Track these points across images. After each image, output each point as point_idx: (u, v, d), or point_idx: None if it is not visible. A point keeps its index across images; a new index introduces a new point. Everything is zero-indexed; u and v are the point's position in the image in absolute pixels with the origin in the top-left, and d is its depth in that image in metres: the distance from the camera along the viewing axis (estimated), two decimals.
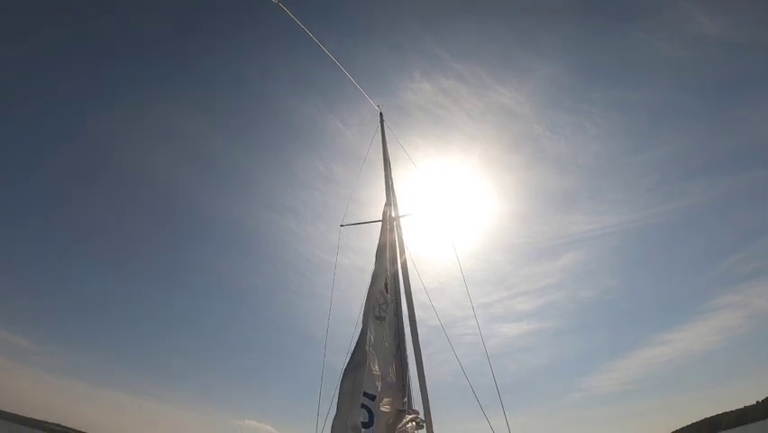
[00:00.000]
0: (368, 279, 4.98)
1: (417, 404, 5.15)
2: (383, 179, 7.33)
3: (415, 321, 5.35)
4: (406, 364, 5.18)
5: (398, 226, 6.46)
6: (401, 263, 5.93)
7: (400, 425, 4.63)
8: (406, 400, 4.87)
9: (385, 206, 6.31)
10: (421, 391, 5.07)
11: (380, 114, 8.88)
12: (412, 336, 5.23)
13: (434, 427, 5.00)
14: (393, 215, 6.55)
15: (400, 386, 5.02)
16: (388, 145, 8.04)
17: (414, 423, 4.79)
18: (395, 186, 7.41)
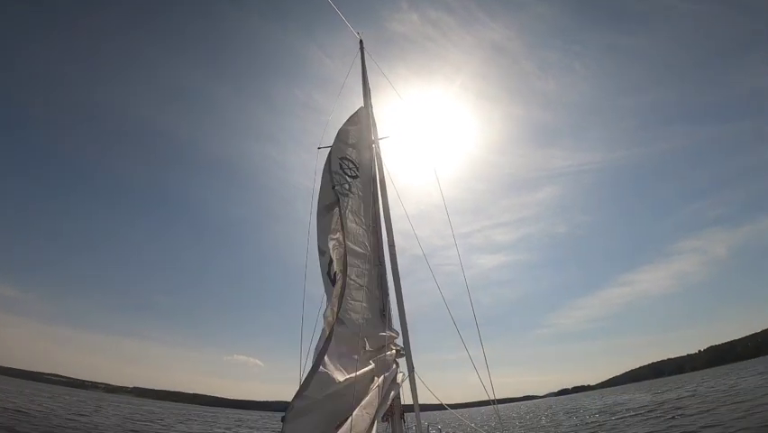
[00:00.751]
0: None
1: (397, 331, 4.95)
2: (363, 105, 6.74)
3: (393, 246, 4.99)
4: (386, 290, 4.87)
5: (378, 149, 5.92)
6: (380, 185, 5.46)
7: (383, 352, 4.42)
8: (387, 323, 4.63)
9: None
10: (400, 319, 4.83)
11: (360, 41, 8.28)
12: (391, 262, 4.90)
13: (413, 356, 4.83)
14: (372, 137, 5.98)
15: (380, 316, 4.73)
16: (369, 74, 7.47)
17: (394, 351, 4.60)
18: (375, 112, 6.88)
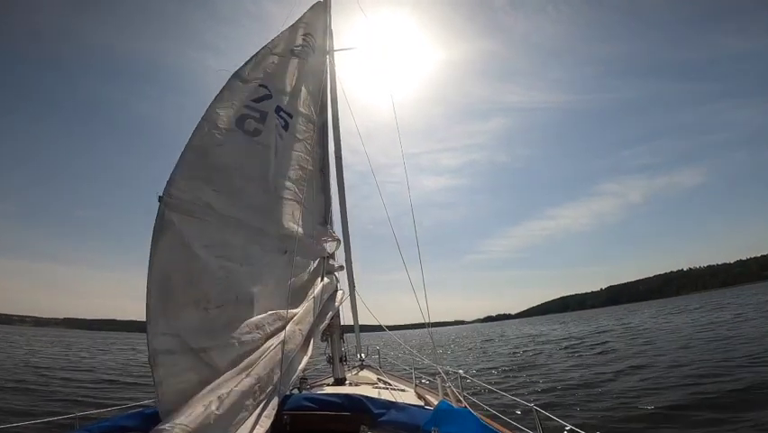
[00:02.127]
0: None
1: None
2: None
3: (341, 158, 4.88)
4: (329, 201, 4.80)
5: (332, 59, 5.54)
6: (331, 98, 5.19)
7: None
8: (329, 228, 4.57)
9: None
10: (343, 234, 4.86)
11: None
12: (337, 174, 4.81)
13: (354, 272, 4.93)
14: (328, 48, 5.54)
15: (322, 222, 4.66)
16: None
17: (333, 261, 4.59)
18: (334, 23, 6.29)
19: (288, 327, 3.10)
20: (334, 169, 4.87)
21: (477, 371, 16.02)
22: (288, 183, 3.95)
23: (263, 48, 4.38)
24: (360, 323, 5.80)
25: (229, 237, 3.07)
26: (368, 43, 6.45)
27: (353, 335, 6.02)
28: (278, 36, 4.72)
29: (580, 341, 25.05)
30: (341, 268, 5.00)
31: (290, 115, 4.22)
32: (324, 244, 4.53)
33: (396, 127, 5.35)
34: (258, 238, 3.34)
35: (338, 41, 5.81)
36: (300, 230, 3.83)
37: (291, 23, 5.06)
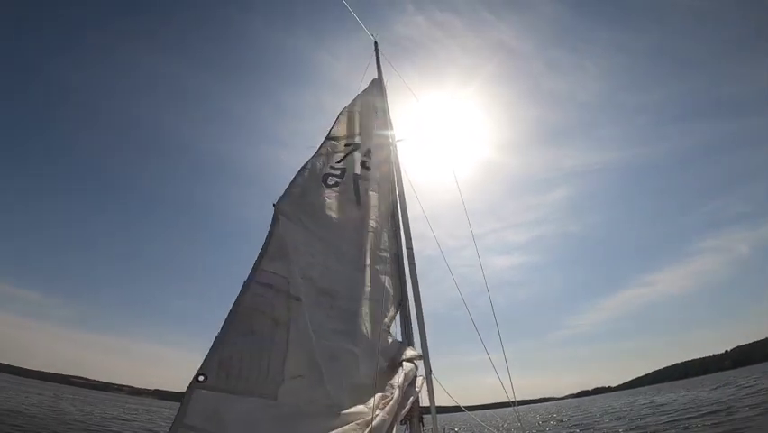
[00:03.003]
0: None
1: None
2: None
3: (412, 249, 4.97)
4: (407, 298, 4.83)
5: (395, 151, 5.92)
6: (398, 189, 5.46)
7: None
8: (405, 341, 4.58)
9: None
10: (418, 322, 4.79)
11: (375, 42, 8.27)
12: (409, 264, 4.87)
13: (430, 356, 4.80)
14: (391, 140, 5.99)
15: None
16: (383, 75, 7.49)
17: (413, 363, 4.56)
18: (391, 114, 6.90)
19: (378, 417, 3.07)
20: (406, 256, 4.96)
21: None
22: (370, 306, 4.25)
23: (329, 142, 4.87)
24: (438, 404, 5.68)
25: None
26: (422, 130, 6.93)
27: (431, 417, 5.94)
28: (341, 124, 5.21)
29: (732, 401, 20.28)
30: (419, 357, 4.93)
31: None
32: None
33: (461, 207, 5.44)
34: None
35: (396, 131, 6.32)
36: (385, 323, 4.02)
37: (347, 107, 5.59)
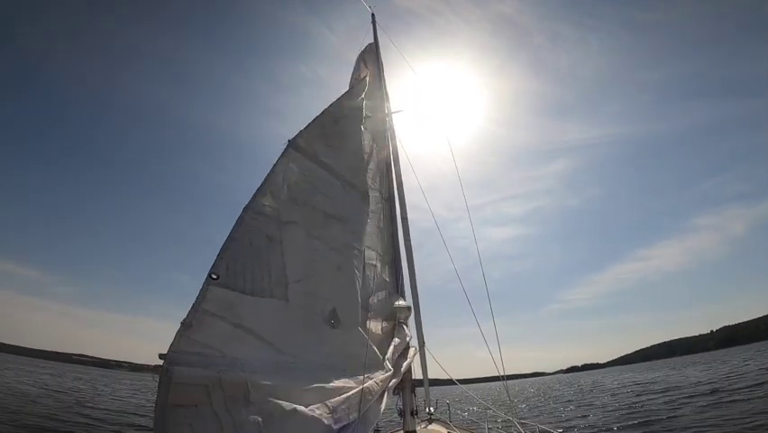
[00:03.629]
0: None
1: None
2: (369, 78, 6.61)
3: (407, 219, 4.93)
4: (401, 267, 4.85)
5: (391, 121, 5.81)
6: (393, 158, 5.38)
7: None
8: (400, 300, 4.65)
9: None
10: (412, 292, 4.82)
11: (372, 15, 8.05)
12: (404, 235, 4.84)
13: (423, 327, 4.85)
14: (386, 111, 5.86)
15: (393, 291, 4.73)
16: (380, 49, 7.32)
17: (405, 324, 4.62)
18: (388, 86, 6.77)
19: (368, 381, 3.33)
20: (401, 229, 4.93)
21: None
22: (367, 251, 4.28)
23: (324, 115, 4.78)
24: (431, 377, 5.84)
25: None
26: (415, 103, 6.79)
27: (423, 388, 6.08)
28: (337, 102, 5.13)
29: (728, 383, 20.38)
30: (409, 308, 5.00)
31: (354, 186, 4.55)
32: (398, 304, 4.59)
33: (457, 180, 5.36)
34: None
35: (392, 102, 6.19)
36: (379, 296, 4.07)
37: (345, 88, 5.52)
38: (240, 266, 3.17)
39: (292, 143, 3.88)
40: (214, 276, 3.01)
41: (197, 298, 2.88)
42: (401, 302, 4.59)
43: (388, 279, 4.80)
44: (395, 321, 4.57)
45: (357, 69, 7.11)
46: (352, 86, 5.49)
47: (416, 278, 5.07)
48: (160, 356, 2.59)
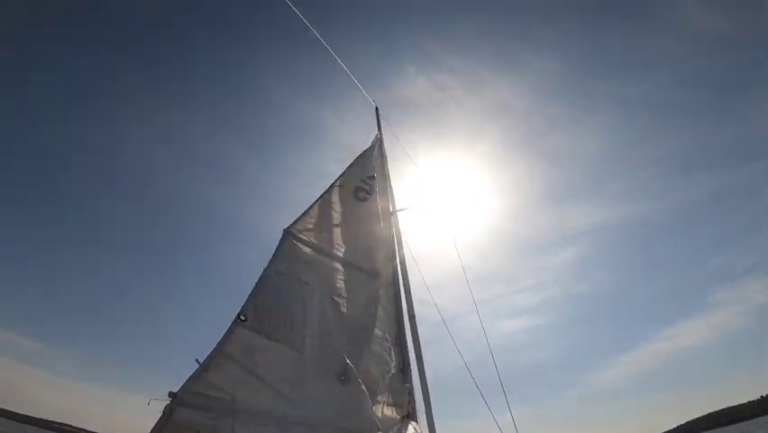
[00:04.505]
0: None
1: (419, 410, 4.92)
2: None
3: (414, 317, 5.16)
4: (409, 363, 4.97)
5: (396, 221, 6.27)
6: (399, 259, 5.74)
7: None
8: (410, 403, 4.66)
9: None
10: (422, 390, 4.86)
11: (376, 108, 8.79)
12: (412, 333, 5.04)
13: (435, 427, 4.79)
14: (391, 209, 6.36)
15: (401, 386, 4.78)
16: (385, 141, 7.94)
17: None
18: (393, 179, 7.25)
19: None
20: (408, 325, 5.14)
21: None
22: (376, 330, 4.59)
23: (323, 201, 5.17)
24: None
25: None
26: (420, 198, 7.29)
27: None
28: (335, 193, 5.55)
29: None
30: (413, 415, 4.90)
31: (360, 269, 4.94)
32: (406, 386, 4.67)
33: (463, 273, 5.71)
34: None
35: (398, 203, 6.69)
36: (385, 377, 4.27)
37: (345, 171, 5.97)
38: (266, 310, 3.50)
39: (287, 232, 4.35)
40: (242, 318, 3.29)
41: (222, 339, 3.11)
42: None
43: (394, 358, 4.90)
44: (403, 410, 4.56)
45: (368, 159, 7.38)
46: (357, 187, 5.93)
47: (427, 371, 5.14)
48: (170, 394, 2.75)
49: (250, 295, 3.55)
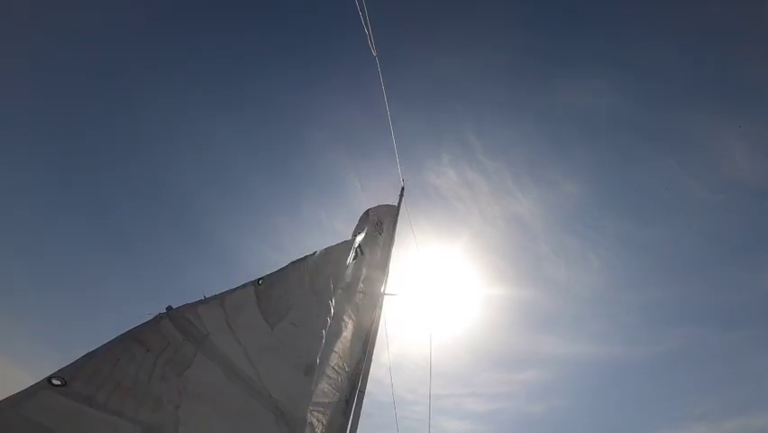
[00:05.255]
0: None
1: None
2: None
3: (363, 392, 5.70)
4: (352, 402, 5.58)
5: (382, 303, 7.00)
6: (372, 336, 6.41)
7: None
8: None
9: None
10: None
11: (402, 188, 9.53)
12: (356, 407, 5.53)
13: None
14: (383, 291, 7.13)
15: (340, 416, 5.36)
16: (398, 223, 8.62)
17: None
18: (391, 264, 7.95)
19: None
20: (356, 396, 5.66)
21: None
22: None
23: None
24: None
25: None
26: (410, 285, 7.98)
27: None
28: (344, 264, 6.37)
29: None
30: None
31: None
32: None
33: (427, 367, 6.26)
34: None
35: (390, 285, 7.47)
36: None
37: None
38: (278, 291, 4.16)
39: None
40: (259, 282, 3.88)
41: (230, 289, 3.62)
42: None
43: (345, 388, 5.55)
44: None
45: (363, 221, 7.73)
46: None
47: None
48: (167, 308, 3.10)
49: (275, 274, 4.23)
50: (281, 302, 4.29)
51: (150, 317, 2.97)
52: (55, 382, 2.35)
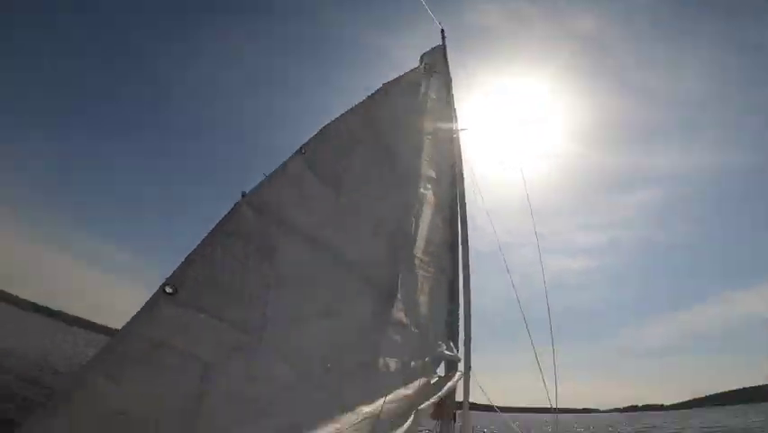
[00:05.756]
0: None
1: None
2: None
3: (467, 243, 4.88)
4: (457, 277, 4.83)
5: (458, 140, 5.82)
6: (458, 178, 5.38)
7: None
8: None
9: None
10: (464, 314, 4.71)
11: (442, 31, 8.11)
12: (463, 258, 4.79)
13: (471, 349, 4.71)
14: (454, 128, 5.89)
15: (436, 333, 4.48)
16: (450, 66, 7.30)
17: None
18: (456, 105, 6.68)
19: (390, 395, 3.16)
20: (460, 247, 4.90)
21: None
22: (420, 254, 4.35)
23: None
24: (473, 401, 5.59)
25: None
26: (483, 121, 6.68)
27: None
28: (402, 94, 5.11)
29: None
30: (457, 359, 4.77)
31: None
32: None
33: (523, 202, 5.29)
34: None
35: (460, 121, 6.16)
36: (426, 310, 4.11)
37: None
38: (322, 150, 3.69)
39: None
40: (303, 150, 3.52)
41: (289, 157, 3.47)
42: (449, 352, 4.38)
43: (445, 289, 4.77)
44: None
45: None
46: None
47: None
48: (243, 194, 2.94)
49: (317, 135, 3.77)
50: (337, 164, 3.78)
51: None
52: (168, 290, 2.31)
